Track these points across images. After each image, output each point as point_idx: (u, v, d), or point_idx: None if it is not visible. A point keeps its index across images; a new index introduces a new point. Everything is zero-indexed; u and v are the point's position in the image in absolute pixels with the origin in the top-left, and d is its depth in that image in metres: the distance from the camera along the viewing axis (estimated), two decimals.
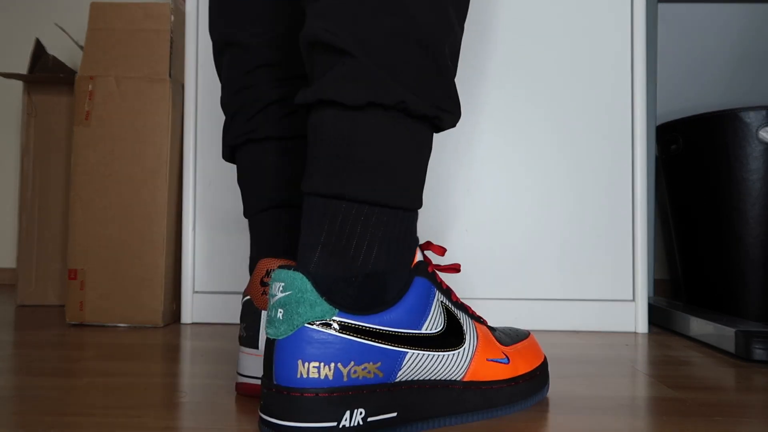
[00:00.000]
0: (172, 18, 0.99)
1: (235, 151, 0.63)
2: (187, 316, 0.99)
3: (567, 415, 0.52)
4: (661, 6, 1.43)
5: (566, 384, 0.63)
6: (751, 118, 1.12)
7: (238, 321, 0.99)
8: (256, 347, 0.55)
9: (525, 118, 0.98)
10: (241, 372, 0.57)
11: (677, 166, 1.25)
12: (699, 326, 0.88)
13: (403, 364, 0.45)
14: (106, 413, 0.51)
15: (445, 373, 0.48)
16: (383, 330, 0.44)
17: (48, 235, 1.18)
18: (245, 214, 0.63)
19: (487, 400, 0.51)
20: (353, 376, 0.43)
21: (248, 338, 0.56)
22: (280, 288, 0.43)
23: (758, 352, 0.74)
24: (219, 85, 1.01)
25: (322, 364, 0.42)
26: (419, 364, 0.46)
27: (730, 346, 0.78)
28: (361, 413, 0.43)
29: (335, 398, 0.42)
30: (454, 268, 0.53)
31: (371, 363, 0.44)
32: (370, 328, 0.44)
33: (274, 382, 0.42)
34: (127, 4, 1.00)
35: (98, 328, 0.94)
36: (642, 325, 0.96)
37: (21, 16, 1.59)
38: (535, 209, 0.98)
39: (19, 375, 0.64)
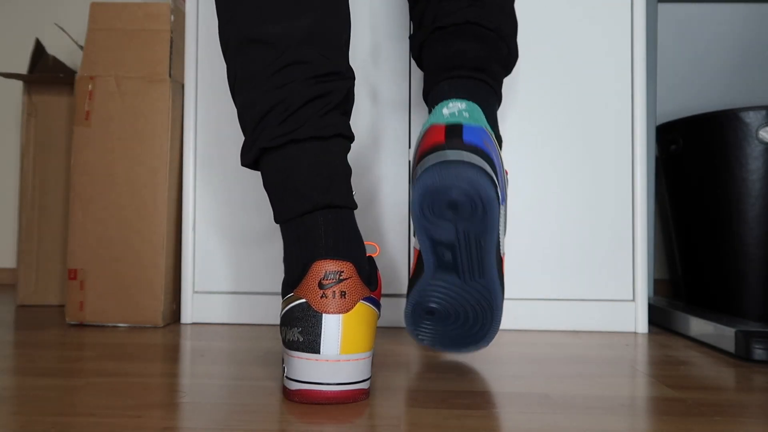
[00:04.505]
0: (172, 18, 0.99)
1: (267, 153, 0.60)
2: (187, 316, 0.99)
3: (567, 415, 0.52)
4: (661, 6, 1.43)
5: (566, 384, 0.63)
6: (751, 118, 1.12)
7: (238, 321, 0.99)
8: (318, 352, 0.54)
9: (524, 117, 0.98)
10: (300, 379, 0.55)
11: (677, 166, 1.25)
12: (699, 326, 0.88)
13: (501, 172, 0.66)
14: (106, 413, 0.51)
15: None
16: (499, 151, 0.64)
17: (48, 235, 1.18)
18: (279, 219, 0.60)
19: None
20: (499, 165, 0.61)
21: (307, 343, 0.54)
22: (463, 106, 0.58)
23: (758, 352, 0.74)
24: (219, 84, 1.01)
25: (491, 149, 0.58)
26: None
27: (730, 346, 0.78)
28: (500, 182, 0.62)
29: (495, 169, 0.59)
30: None
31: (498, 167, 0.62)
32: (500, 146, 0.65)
33: (464, 141, 0.56)
34: (127, 4, 1.00)
35: (98, 328, 0.94)
36: (642, 325, 0.96)
37: (21, 16, 1.59)
38: (535, 209, 0.98)
39: (19, 375, 0.64)
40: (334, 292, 0.54)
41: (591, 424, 0.50)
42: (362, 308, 0.55)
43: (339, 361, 0.54)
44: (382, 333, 0.91)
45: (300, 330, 0.54)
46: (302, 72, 0.58)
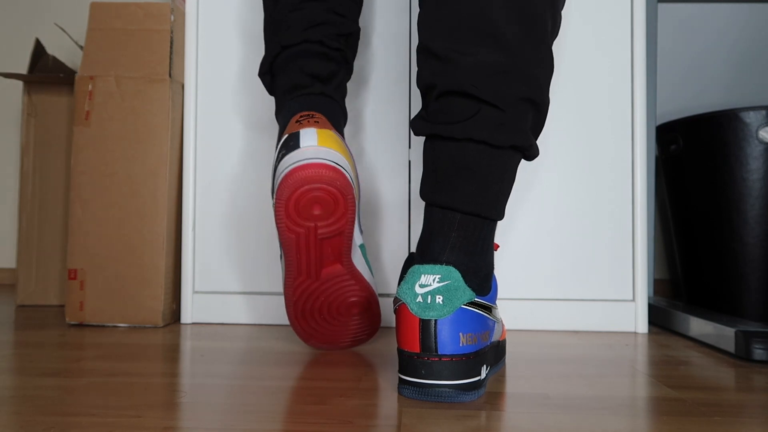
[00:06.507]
0: (172, 18, 0.99)
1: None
2: (187, 316, 0.99)
3: (567, 415, 0.52)
4: (661, 6, 1.43)
5: (566, 384, 0.63)
6: (751, 118, 1.12)
7: (238, 321, 0.99)
8: (299, 147, 0.65)
9: None
10: (288, 164, 0.64)
11: (677, 166, 1.25)
12: (699, 326, 0.88)
13: (494, 329, 0.62)
14: (106, 413, 0.51)
15: (498, 335, 0.66)
16: (490, 305, 0.60)
17: (48, 235, 1.18)
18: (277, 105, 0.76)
19: (500, 352, 0.69)
20: (482, 341, 0.57)
21: (291, 148, 0.65)
22: (437, 279, 0.55)
23: (758, 352, 0.74)
24: (219, 84, 1.01)
25: (471, 334, 0.55)
26: (497, 330, 0.64)
27: (730, 346, 0.78)
28: (486, 367, 0.59)
29: (479, 358, 0.56)
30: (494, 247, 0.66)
31: (487, 331, 0.59)
32: (487, 304, 0.59)
33: (438, 353, 0.54)
34: (127, 4, 1.00)
35: (98, 328, 0.94)
36: (642, 325, 0.96)
37: (21, 16, 1.59)
38: (535, 209, 0.98)
39: (19, 375, 0.64)
40: (309, 121, 0.68)
41: (591, 424, 0.50)
42: (335, 135, 0.67)
43: (318, 148, 0.65)
44: (381, 333, 0.91)
45: (285, 149, 0.65)
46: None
